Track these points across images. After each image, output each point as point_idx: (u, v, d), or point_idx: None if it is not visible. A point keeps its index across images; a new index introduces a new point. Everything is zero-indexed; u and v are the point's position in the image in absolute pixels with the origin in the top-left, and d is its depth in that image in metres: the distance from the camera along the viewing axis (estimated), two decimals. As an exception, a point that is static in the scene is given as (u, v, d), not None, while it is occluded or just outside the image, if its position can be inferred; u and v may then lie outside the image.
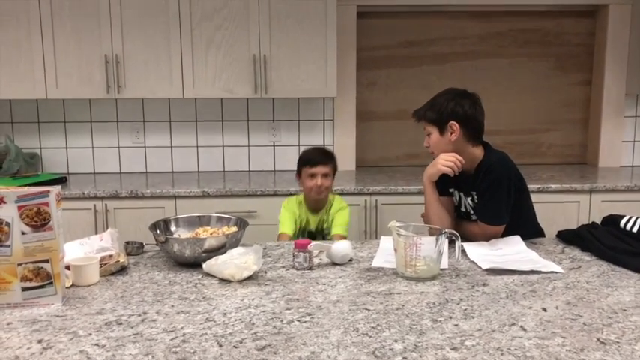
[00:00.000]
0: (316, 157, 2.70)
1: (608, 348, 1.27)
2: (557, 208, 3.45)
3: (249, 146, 4.01)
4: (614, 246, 1.91)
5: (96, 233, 3.25)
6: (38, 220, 1.50)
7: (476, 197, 2.19)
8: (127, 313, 1.48)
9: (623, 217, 2.04)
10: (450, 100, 2.28)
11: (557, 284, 1.68)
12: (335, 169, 2.76)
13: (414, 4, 3.95)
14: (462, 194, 2.28)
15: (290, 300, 1.57)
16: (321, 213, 2.75)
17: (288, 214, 2.70)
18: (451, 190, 2.33)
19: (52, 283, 1.53)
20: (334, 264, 1.90)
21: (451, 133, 2.21)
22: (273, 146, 4.02)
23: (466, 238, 2.11)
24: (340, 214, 2.73)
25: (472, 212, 2.24)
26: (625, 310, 1.48)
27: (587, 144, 4.26)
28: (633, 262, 1.80)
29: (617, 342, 1.29)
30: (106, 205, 3.33)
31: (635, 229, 1.96)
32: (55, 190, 1.53)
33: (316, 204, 2.73)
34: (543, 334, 1.34)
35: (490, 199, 2.12)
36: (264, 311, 1.49)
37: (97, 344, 1.30)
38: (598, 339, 1.31)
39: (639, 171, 3.97)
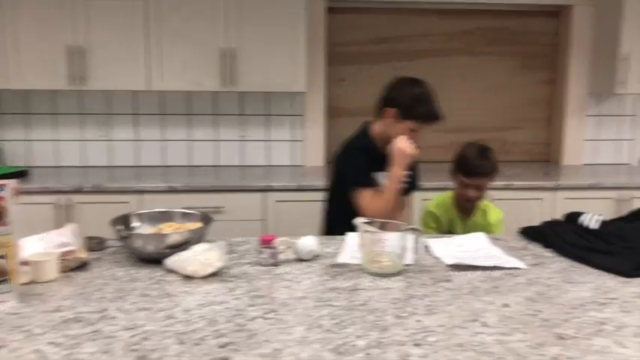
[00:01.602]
0: (475, 170, 2.44)
1: (567, 343, 1.29)
2: (522, 204, 3.51)
3: (217, 140, 3.97)
4: (574, 243, 1.94)
5: (58, 228, 3.18)
6: (-7, 215, 1.45)
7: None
8: (86, 311, 1.45)
9: (583, 214, 2.07)
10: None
11: (519, 280, 1.71)
12: (494, 177, 2.51)
13: (384, 1, 3.96)
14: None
15: (254, 297, 1.56)
16: (470, 217, 2.60)
17: (429, 219, 2.60)
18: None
19: (6, 279, 1.49)
20: (300, 260, 1.89)
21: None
22: (242, 141, 3.99)
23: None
24: (498, 227, 2.58)
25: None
26: (583, 305, 1.51)
27: (551, 142, 4.34)
28: (593, 259, 1.84)
29: (575, 337, 1.32)
30: (68, 199, 3.25)
31: (595, 226, 2.00)
32: (12, 183, 1.48)
33: (465, 209, 2.59)
34: (504, 330, 1.35)
35: None
36: (227, 308, 1.47)
37: (52, 343, 1.27)
38: (557, 334, 1.33)
39: (601, 169, 4.07)
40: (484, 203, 2.63)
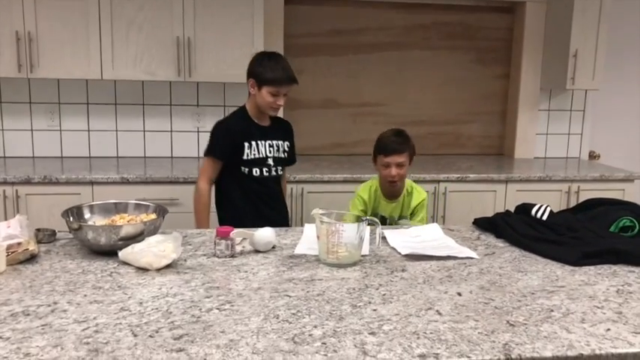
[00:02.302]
0: (391, 145, 2.57)
1: (517, 329, 1.32)
2: (475, 196, 3.58)
3: (171, 131, 3.90)
4: (525, 233, 2.00)
5: (5, 219, 3.07)
6: None
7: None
8: (35, 304, 1.41)
9: (534, 205, 2.14)
10: None
11: (472, 270, 1.74)
12: (412, 155, 2.65)
13: (341, -7, 3.97)
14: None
15: (210, 288, 1.55)
16: (396, 200, 2.67)
17: (358, 202, 2.69)
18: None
19: (-49, 273, 1.43)
20: (257, 251, 1.88)
21: None
22: (198, 132, 3.93)
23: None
24: (422, 208, 2.68)
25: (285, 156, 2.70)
26: (533, 293, 1.56)
27: (504, 135, 4.44)
28: (542, 249, 1.90)
29: (525, 324, 1.36)
30: (16, 190, 3.15)
31: (544, 217, 2.06)
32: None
33: (391, 192, 2.66)
34: (457, 318, 1.38)
35: None
36: (182, 300, 1.46)
37: (0, 337, 1.23)
38: (508, 321, 1.37)
39: (551, 162, 4.19)
40: (409, 184, 2.74)
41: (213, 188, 2.68)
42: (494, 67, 4.34)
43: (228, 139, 2.56)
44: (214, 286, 1.57)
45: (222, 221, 2.59)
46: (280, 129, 2.72)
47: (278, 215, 2.71)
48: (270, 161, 2.63)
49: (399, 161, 2.56)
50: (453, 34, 4.24)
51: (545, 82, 4.21)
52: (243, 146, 2.56)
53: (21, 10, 3.27)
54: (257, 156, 2.59)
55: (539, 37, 4.18)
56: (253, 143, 2.58)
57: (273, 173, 2.65)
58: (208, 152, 2.59)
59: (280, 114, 2.83)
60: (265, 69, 2.50)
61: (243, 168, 2.57)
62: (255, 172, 2.59)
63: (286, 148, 2.71)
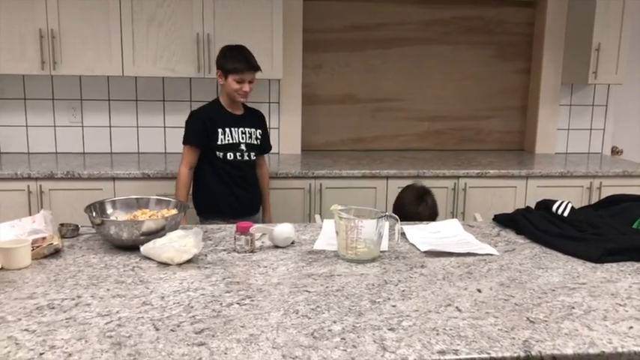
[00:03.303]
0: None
1: (537, 326, 1.32)
2: (495, 192, 3.56)
3: (192, 127, 3.92)
4: (546, 229, 1.98)
5: (30, 215, 3.13)
6: (-37, 201, 1.42)
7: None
8: (59, 297, 1.44)
9: (555, 201, 2.12)
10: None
11: (492, 266, 1.74)
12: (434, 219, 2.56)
13: (360, -12, 3.96)
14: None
15: (230, 283, 1.56)
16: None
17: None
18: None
19: (-22, 266, 1.46)
20: (276, 247, 1.89)
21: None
22: (217, 128, 3.95)
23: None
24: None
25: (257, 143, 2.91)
26: (554, 290, 1.55)
27: (525, 131, 4.40)
28: (563, 245, 1.88)
29: (545, 321, 1.35)
30: (40, 186, 3.20)
31: (565, 214, 2.04)
32: (-18, 169, 1.45)
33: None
34: (477, 315, 1.38)
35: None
36: (203, 294, 1.47)
37: (26, 330, 1.25)
38: (528, 318, 1.36)
39: (572, 157, 4.15)
40: None
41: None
42: (515, 62, 4.30)
43: (202, 127, 2.77)
44: (234, 281, 1.58)
45: (197, 205, 2.88)
46: (253, 117, 2.93)
47: (248, 196, 2.91)
48: (243, 147, 2.84)
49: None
50: (472, 28, 4.20)
51: (566, 76, 4.16)
52: (217, 132, 2.78)
53: (44, 8, 3.32)
54: (230, 141, 2.80)
55: (561, 31, 4.13)
56: (227, 130, 2.80)
57: (246, 158, 2.86)
58: (186, 141, 2.81)
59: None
60: (228, 60, 2.74)
61: (218, 153, 2.79)
62: (230, 156, 2.81)
63: (258, 136, 2.92)
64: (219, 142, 2.78)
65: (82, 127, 3.84)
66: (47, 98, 3.78)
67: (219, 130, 2.78)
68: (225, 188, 2.82)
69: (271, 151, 3.97)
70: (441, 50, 4.20)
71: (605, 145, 4.39)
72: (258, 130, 2.93)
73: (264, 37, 3.52)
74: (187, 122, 2.83)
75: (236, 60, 2.73)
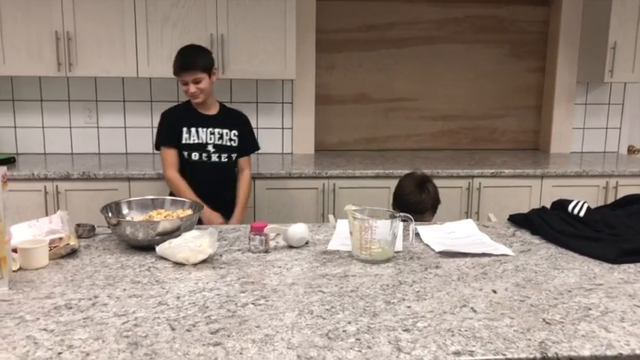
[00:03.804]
0: (412, 207, 2.38)
1: (553, 328, 1.31)
2: (510, 192, 3.54)
3: (206, 128, 3.95)
4: (562, 230, 1.97)
5: (46, 215, 3.16)
6: (-18, 202, 1.44)
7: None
8: (77, 297, 1.45)
9: (570, 201, 2.10)
10: (206, 50, 2.81)
11: (507, 267, 1.73)
12: (435, 208, 2.47)
13: (373, -12, 3.95)
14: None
15: (245, 283, 1.57)
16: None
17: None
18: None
19: (-3, 266, 1.48)
20: (290, 247, 1.90)
21: (214, 75, 2.79)
22: (231, 128, 3.97)
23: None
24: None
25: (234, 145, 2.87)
26: (570, 291, 1.54)
27: (539, 130, 4.37)
28: (579, 245, 1.86)
29: (562, 322, 1.34)
30: (56, 186, 3.24)
31: (581, 214, 2.03)
32: (1, 171, 1.47)
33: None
34: (492, 316, 1.37)
35: None
36: (218, 294, 1.48)
37: (45, 329, 1.27)
38: (544, 319, 1.36)
39: (588, 157, 4.11)
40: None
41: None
42: (529, 61, 4.27)
43: (167, 126, 2.81)
44: (249, 281, 1.59)
45: None
46: (228, 118, 2.88)
47: (213, 202, 2.75)
48: (210, 147, 2.81)
49: (421, 220, 2.35)
50: (486, 27, 4.18)
51: (582, 75, 4.12)
52: (182, 131, 2.78)
53: (60, 10, 3.35)
54: (196, 141, 2.79)
55: (576, 30, 4.09)
56: (192, 129, 2.79)
57: (214, 159, 2.82)
58: (158, 143, 2.83)
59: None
60: (173, 63, 2.72)
61: (183, 152, 2.80)
62: (194, 156, 2.80)
63: (233, 137, 2.86)
64: (183, 142, 2.78)
65: (98, 127, 3.87)
66: (63, 100, 3.81)
67: (184, 129, 2.78)
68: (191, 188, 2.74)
69: (285, 151, 4.03)
70: (454, 49, 4.18)
71: (621, 144, 4.34)
72: (233, 131, 2.87)
73: (277, 38, 3.52)
74: (158, 126, 2.87)
75: (175, 62, 2.71)
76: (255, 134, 3.06)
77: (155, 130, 2.90)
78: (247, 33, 3.50)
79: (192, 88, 2.69)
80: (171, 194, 2.75)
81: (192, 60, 2.69)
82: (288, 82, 3.93)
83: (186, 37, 3.45)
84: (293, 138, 4.02)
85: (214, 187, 2.84)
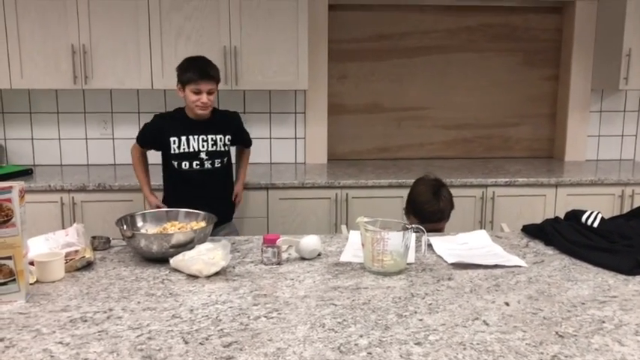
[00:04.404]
0: (429, 216, 2.35)
1: (566, 341, 1.30)
2: (524, 201, 3.52)
3: (219, 138, 3.98)
4: (575, 240, 1.96)
5: (63, 227, 3.20)
6: (0, 217, 1.47)
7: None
8: (92, 310, 1.47)
9: (584, 212, 2.08)
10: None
11: (520, 278, 1.72)
12: (449, 214, 2.43)
13: (385, -2, 3.97)
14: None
15: (257, 296, 1.58)
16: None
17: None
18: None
19: (14, 280, 1.51)
20: (303, 259, 1.90)
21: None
22: (244, 138, 3.99)
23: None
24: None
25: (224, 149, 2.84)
26: (584, 303, 1.53)
27: (554, 138, 4.34)
28: (593, 257, 1.85)
29: (575, 335, 1.33)
30: (72, 197, 3.28)
31: (595, 224, 2.01)
32: (19, 185, 1.50)
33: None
34: (505, 329, 1.37)
35: None
36: (231, 307, 1.49)
37: (60, 342, 1.29)
38: (557, 332, 1.35)
39: (603, 165, 4.07)
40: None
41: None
42: (543, 69, 4.25)
43: (152, 132, 2.82)
44: (262, 293, 1.60)
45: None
46: (220, 122, 2.83)
47: (211, 209, 2.26)
48: (203, 155, 2.77)
49: (437, 228, 2.36)
50: (499, 35, 4.17)
51: (596, 82, 4.09)
52: (169, 141, 2.74)
53: (76, 24, 3.40)
54: (187, 150, 2.75)
55: (590, 37, 4.07)
56: (183, 138, 2.74)
57: (207, 166, 2.78)
58: (137, 139, 2.89)
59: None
60: (184, 71, 2.68)
61: (173, 162, 2.76)
62: (185, 165, 2.76)
63: (227, 142, 2.84)
64: (172, 151, 2.75)
65: (113, 139, 3.92)
66: (79, 112, 3.87)
67: (172, 139, 2.74)
68: (181, 198, 2.64)
69: (298, 161, 4.05)
70: (467, 58, 4.18)
71: (637, 151, 4.30)
72: (227, 136, 2.83)
73: (289, 49, 3.55)
74: (149, 122, 2.88)
75: (191, 70, 2.66)
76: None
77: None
78: (260, 45, 3.53)
79: (205, 98, 2.66)
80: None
81: (212, 70, 2.70)
82: (300, 92, 3.95)
83: (199, 49, 3.49)
84: (306, 148, 4.03)
85: (210, 193, 2.75)
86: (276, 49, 3.54)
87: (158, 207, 2.79)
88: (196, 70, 2.66)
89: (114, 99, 3.87)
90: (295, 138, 4.03)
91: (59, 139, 3.89)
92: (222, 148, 2.82)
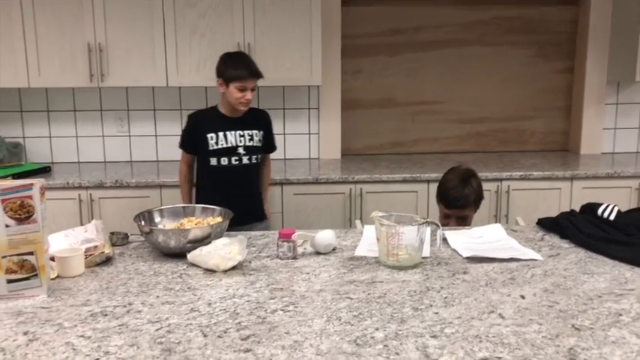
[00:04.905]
0: (454, 202, 2.42)
1: (582, 334, 1.30)
2: (539, 195, 3.50)
3: (234, 134, 4.00)
4: (591, 234, 1.95)
5: (81, 223, 3.25)
6: (22, 213, 1.50)
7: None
8: (112, 305, 1.50)
9: (600, 205, 2.08)
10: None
11: (535, 272, 1.72)
12: (478, 203, 2.50)
13: (398, -8, 3.96)
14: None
15: (274, 289, 1.60)
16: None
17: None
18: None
19: (36, 275, 1.54)
20: (318, 253, 1.92)
21: None
22: (259, 134, 4.02)
23: None
24: None
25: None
26: (600, 296, 1.53)
27: (569, 131, 4.31)
28: (610, 250, 1.84)
29: (591, 328, 1.33)
30: (90, 194, 3.32)
31: (611, 217, 2.01)
32: (39, 183, 1.53)
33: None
34: (520, 322, 1.37)
35: None
36: (248, 301, 1.51)
37: (82, 336, 1.32)
38: (573, 325, 1.35)
39: (619, 158, 4.04)
40: None
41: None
42: (558, 62, 4.22)
43: (189, 133, 2.82)
44: (278, 287, 1.61)
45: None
46: (254, 119, 2.85)
47: (242, 205, 2.52)
48: (241, 150, 2.77)
49: (462, 215, 2.43)
50: (513, 28, 4.15)
51: (612, 75, 4.06)
52: (207, 138, 2.74)
53: (92, 23, 3.44)
54: (225, 145, 2.75)
55: (606, 29, 4.03)
56: (220, 134, 2.74)
57: (245, 161, 2.79)
58: (180, 145, 2.88)
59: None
60: (229, 67, 2.67)
61: (211, 159, 2.76)
62: (223, 161, 2.76)
63: (261, 138, 2.85)
64: (210, 148, 2.74)
65: (129, 136, 3.96)
66: (96, 109, 3.91)
67: (209, 136, 2.73)
68: (217, 195, 2.60)
69: (312, 156, 4.06)
70: (481, 51, 4.16)
71: (654, 144, 4.26)
72: (261, 132, 2.86)
73: (303, 44, 3.56)
74: (185, 125, 2.88)
75: (237, 67, 2.65)
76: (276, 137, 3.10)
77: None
78: (274, 41, 3.54)
79: (250, 95, 2.67)
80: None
81: (256, 67, 2.70)
82: (314, 88, 3.96)
83: (213, 46, 3.51)
84: (320, 143, 4.05)
85: (245, 190, 2.83)
86: (289, 45, 3.55)
87: None
88: (245, 67, 2.65)
89: (130, 96, 3.91)
90: (309, 133, 4.04)
91: (76, 136, 3.94)
92: (258, 144, 2.84)
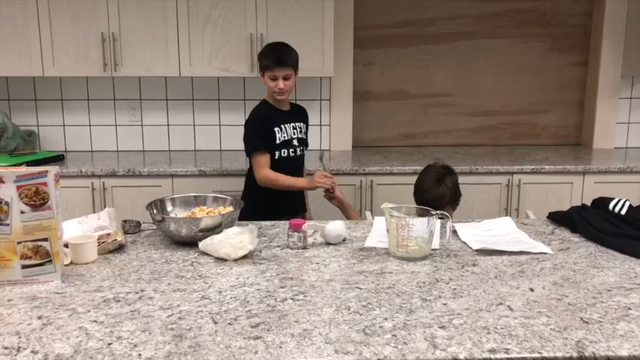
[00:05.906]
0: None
1: (591, 327, 1.31)
2: (551, 188, 3.49)
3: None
4: (602, 228, 1.94)
5: (94, 211, 3.28)
6: (37, 200, 1.53)
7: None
8: (124, 291, 1.52)
9: (612, 199, 2.07)
10: (292, 48, 2.78)
11: (545, 265, 1.72)
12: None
13: (411, -16, 3.94)
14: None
15: (284, 279, 1.61)
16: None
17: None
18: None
19: (51, 261, 1.57)
20: (328, 244, 1.93)
21: (297, 73, 2.77)
22: (270, 125, 4.02)
23: None
24: None
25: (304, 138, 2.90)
26: (609, 290, 1.53)
27: (582, 125, 4.28)
28: (620, 244, 1.84)
29: (600, 321, 1.34)
30: (103, 183, 3.35)
31: (623, 212, 2.00)
32: (54, 170, 1.55)
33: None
34: (529, 314, 1.38)
35: None
36: (258, 289, 1.53)
37: (95, 321, 1.34)
38: (581, 318, 1.35)
39: (633, 152, 4.01)
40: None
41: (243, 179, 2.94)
42: (571, 55, 4.18)
43: (261, 129, 2.73)
44: (288, 276, 1.63)
45: (251, 208, 2.36)
46: (299, 113, 2.91)
47: (297, 194, 2.87)
48: (295, 142, 2.82)
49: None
50: (526, 21, 4.11)
51: (627, 68, 4.02)
52: (274, 131, 2.74)
53: (106, 12, 3.46)
54: (286, 138, 2.78)
55: (621, 21, 3.99)
56: (283, 127, 2.77)
57: (298, 153, 2.85)
58: (255, 149, 2.71)
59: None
60: (262, 57, 2.73)
61: (275, 152, 2.75)
62: (284, 152, 2.78)
63: (306, 130, 2.91)
64: (277, 141, 2.73)
65: (142, 125, 3.99)
66: (109, 99, 3.94)
67: (276, 129, 2.73)
68: (274, 192, 2.70)
69: (323, 148, 4.07)
70: (493, 44, 4.13)
71: (668, 139, 4.22)
72: (305, 125, 2.92)
73: (315, 36, 3.56)
74: (248, 130, 2.76)
75: (267, 57, 2.69)
76: None
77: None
78: (286, 32, 3.54)
79: (282, 83, 2.66)
80: (247, 194, 2.81)
81: (287, 56, 2.70)
82: (326, 79, 3.96)
83: (226, 36, 3.52)
84: (331, 134, 4.05)
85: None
86: (301, 36, 3.55)
87: (333, 183, 2.70)
88: (270, 57, 2.68)
89: (142, 86, 3.93)
90: (320, 125, 4.04)
91: (89, 125, 3.97)
92: (305, 136, 2.90)
